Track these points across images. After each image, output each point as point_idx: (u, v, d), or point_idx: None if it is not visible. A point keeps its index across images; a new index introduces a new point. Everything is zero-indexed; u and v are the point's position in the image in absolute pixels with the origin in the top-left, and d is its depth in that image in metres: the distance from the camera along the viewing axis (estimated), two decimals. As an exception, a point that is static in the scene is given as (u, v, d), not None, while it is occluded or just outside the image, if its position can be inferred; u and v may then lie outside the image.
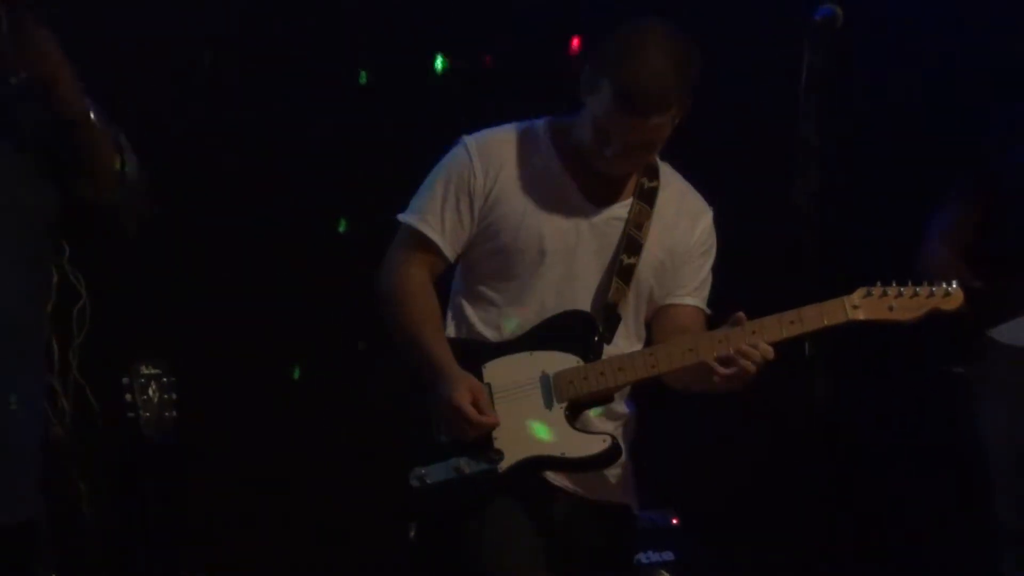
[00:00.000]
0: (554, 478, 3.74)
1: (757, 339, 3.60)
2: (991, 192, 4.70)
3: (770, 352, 3.59)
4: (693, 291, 3.87)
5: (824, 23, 3.68)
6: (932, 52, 5.40)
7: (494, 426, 3.66)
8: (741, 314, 3.63)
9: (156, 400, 4.17)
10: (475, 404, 3.64)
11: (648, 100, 3.58)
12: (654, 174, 3.84)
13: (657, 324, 3.87)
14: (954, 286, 3.70)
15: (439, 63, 5.45)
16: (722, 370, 3.60)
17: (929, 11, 5.40)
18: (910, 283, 3.70)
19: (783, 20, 4.06)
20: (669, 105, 3.61)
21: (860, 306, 3.66)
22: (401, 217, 3.83)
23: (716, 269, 3.91)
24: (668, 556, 5.14)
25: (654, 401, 3.94)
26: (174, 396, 4.20)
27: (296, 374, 5.40)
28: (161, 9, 5.16)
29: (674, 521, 5.21)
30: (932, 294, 3.70)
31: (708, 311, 3.89)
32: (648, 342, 3.86)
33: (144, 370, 4.20)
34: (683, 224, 3.86)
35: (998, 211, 4.68)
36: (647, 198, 3.81)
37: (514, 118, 3.89)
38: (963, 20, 5.36)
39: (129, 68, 5.06)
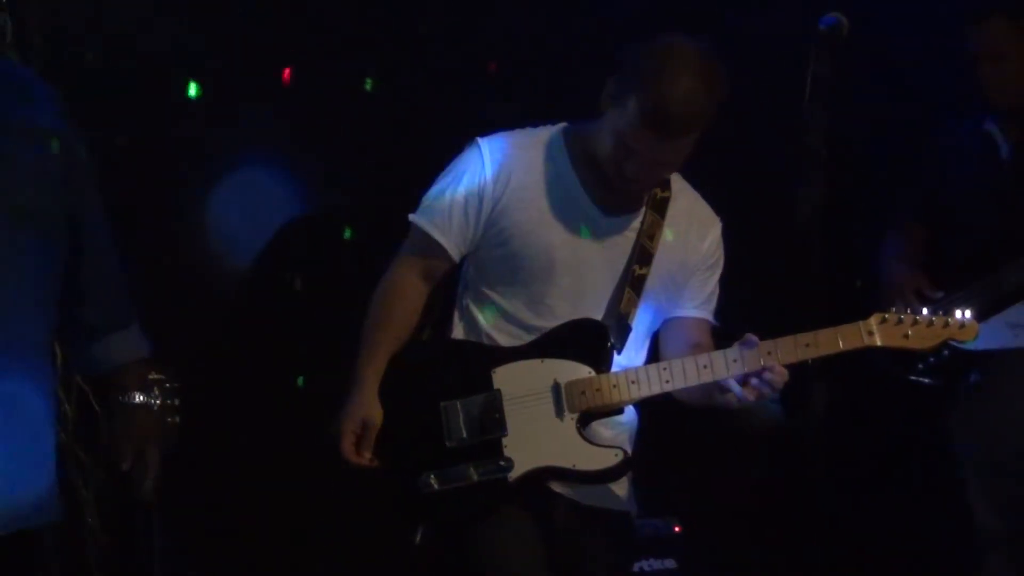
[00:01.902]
0: (556, 486, 3.74)
1: (772, 360, 3.58)
2: (935, 212, 4.78)
3: (786, 375, 3.58)
4: (701, 304, 3.87)
5: (829, 32, 3.68)
6: (936, 61, 5.39)
7: (363, 468, 3.71)
8: (752, 335, 3.61)
9: (159, 406, 4.16)
10: (360, 437, 3.71)
11: (678, 122, 3.56)
12: (666, 184, 3.83)
13: (664, 336, 3.87)
14: (968, 317, 3.69)
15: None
16: (738, 390, 3.59)
17: (933, 18, 5.40)
18: (925, 311, 3.68)
19: (789, 29, 4.05)
20: (698, 127, 3.60)
21: (876, 332, 3.64)
22: (412, 217, 3.84)
23: (722, 279, 3.89)
24: (670, 564, 5.13)
25: (656, 408, 3.92)
26: (177, 402, 4.18)
27: (301, 382, 5.39)
28: (168, 11, 5.16)
29: (676, 529, 5.20)
30: (948, 324, 3.68)
31: (716, 323, 3.88)
32: (653, 353, 3.86)
33: (148, 376, 4.18)
34: (693, 235, 3.85)
35: (944, 229, 4.75)
36: (659, 208, 3.81)
37: (520, 125, 3.89)
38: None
39: (135, 69, 5.07)
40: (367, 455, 3.73)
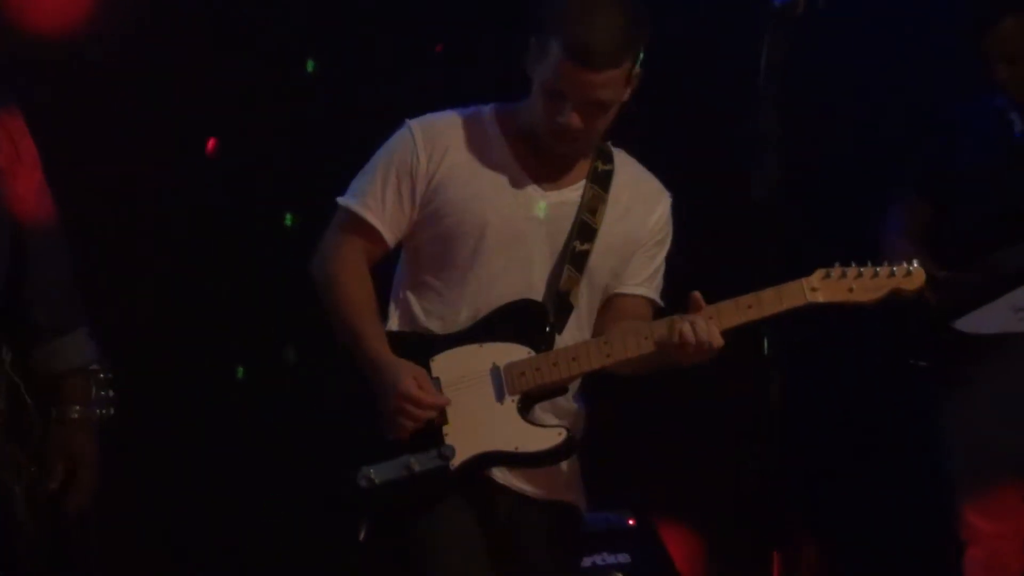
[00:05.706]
0: (499, 476, 3.70)
1: (714, 324, 3.57)
2: (941, 188, 4.74)
3: (719, 340, 3.56)
4: (645, 281, 3.82)
5: (784, 10, 3.65)
6: (893, 46, 5.40)
7: (445, 406, 3.61)
8: (697, 294, 3.59)
9: (94, 397, 4.09)
10: (424, 390, 3.59)
11: (601, 52, 3.53)
12: (608, 158, 3.79)
13: (605, 313, 3.82)
14: (915, 265, 3.68)
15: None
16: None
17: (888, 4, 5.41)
18: (869, 264, 3.66)
19: (744, 6, 4.05)
20: (622, 59, 3.57)
21: (819, 288, 3.64)
22: (341, 200, 3.78)
23: (676, 262, 3.85)
24: (624, 558, 5.12)
25: (608, 399, 3.91)
26: (112, 393, 4.11)
27: (240, 373, 5.38)
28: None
29: (630, 522, 5.18)
30: (893, 274, 3.66)
31: (660, 303, 3.83)
32: (595, 331, 3.80)
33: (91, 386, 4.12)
34: (638, 210, 3.80)
35: (950, 206, 4.72)
36: (601, 182, 3.76)
37: (463, 106, 3.84)
38: (922, 12, 5.36)
39: (75, 60, 5.03)
40: (442, 396, 3.62)
